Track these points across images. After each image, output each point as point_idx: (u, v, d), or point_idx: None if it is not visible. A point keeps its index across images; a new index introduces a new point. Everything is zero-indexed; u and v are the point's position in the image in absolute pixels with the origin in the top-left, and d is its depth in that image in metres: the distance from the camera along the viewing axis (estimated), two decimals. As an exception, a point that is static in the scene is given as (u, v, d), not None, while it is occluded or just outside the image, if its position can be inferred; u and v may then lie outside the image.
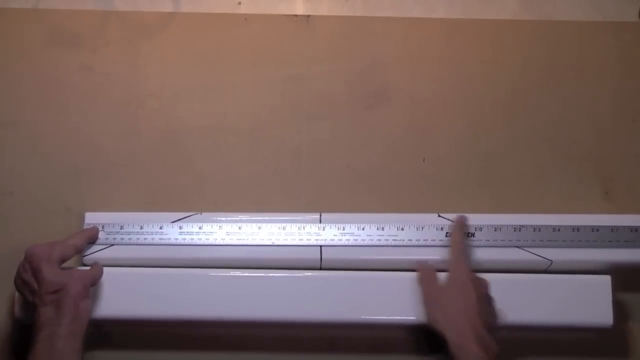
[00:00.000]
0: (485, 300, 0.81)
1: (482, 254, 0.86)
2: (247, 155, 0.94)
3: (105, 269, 0.84)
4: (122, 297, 0.84)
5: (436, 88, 0.96)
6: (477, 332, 0.77)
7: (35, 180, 0.92)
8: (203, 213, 0.88)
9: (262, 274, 0.85)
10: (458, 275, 0.82)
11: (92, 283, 0.81)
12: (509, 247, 0.87)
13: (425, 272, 0.84)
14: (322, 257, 0.86)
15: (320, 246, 0.87)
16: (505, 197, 0.92)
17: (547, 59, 0.97)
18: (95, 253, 0.86)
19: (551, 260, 0.86)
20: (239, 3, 0.99)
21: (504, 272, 0.86)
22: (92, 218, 0.88)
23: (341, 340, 0.88)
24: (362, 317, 0.84)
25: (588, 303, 0.84)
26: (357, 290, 0.85)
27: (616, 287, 0.85)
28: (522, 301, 0.84)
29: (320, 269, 0.87)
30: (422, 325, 0.82)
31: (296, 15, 0.98)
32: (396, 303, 0.84)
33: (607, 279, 0.85)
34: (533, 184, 0.93)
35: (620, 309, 0.88)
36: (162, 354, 0.88)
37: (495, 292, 0.84)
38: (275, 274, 0.85)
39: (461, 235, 0.85)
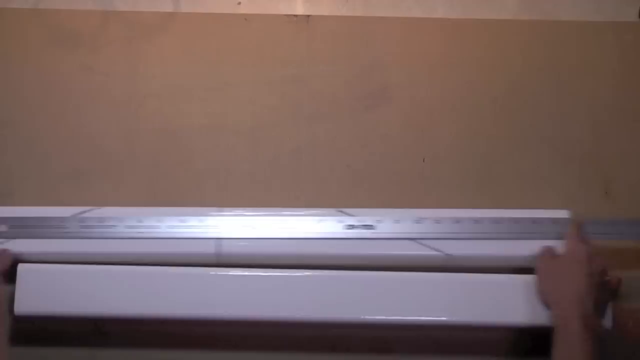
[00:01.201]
0: (598, 276, 0.79)
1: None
2: (247, 155, 0.94)
3: (101, 267, 0.84)
4: (121, 294, 0.84)
5: (436, 88, 0.96)
6: (584, 308, 0.76)
7: (35, 180, 0.92)
8: (103, 207, 0.87)
9: (262, 273, 0.85)
10: (572, 251, 0.81)
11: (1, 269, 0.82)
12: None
13: (543, 248, 0.84)
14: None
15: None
16: (505, 197, 0.92)
17: (547, 59, 0.97)
18: None
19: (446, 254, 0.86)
20: (239, 3, 0.99)
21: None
22: None
23: (342, 340, 0.88)
24: (363, 317, 0.84)
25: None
26: (358, 290, 0.84)
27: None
28: (521, 301, 0.84)
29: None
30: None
31: (296, 15, 0.98)
32: (396, 302, 0.84)
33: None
34: (533, 184, 0.93)
35: (619, 310, 0.88)
36: (162, 353, 0.88)
37: (493, 293, 0.84)
38: (275, 273, 0.85)
39: (579, 225, 0.84)
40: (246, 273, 0.85)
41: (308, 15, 0.98)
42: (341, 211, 0.87)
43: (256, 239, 0.86)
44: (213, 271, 0.85)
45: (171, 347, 0.88)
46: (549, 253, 0.83)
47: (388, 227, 0.86)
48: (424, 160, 0.94)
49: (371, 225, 0.86)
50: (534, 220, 0.86)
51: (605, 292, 0.81)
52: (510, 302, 0.84)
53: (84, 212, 0.87)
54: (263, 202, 0.91)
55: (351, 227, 0.86)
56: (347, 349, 0.88)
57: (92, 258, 0.86)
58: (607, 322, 0.82)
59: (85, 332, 0.87)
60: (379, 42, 0.98)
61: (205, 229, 0.86)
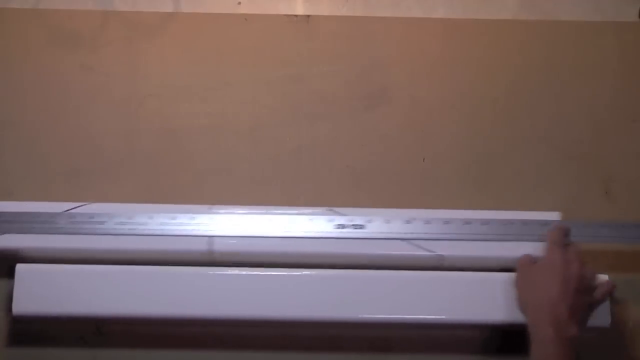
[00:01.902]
0: (575, 282, 0.78)
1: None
2: (247, 155, 0.94)
3: (100, 267, 0.84)
4: (120, 294, 0.84)
5: (436, 88, 0.96)
6: (556, 313, 0.76)
7: (35, 180, 0.92)
8: (94, 203, 0.87)
9: (260, 272, 0.85)
10: (548, 258, 0.81)
11: None
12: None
13: (523, 257, 0.84)
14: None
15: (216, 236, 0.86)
16: (505, 197, 0.92)
17: (547, 59, 0.97)
18: None
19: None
20: (239, 3, 0.99)
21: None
22: None
23: (341, 339, 0.88)
24: (361, 315, 0.84)
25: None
26: (357, 289, 0.85)
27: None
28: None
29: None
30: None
31: (296, 15, 0.98)
32: (396, 301, 0.84)
33: (604, 279, 0.85)
34: (533, 184, 0.93)
35: (617, 309, 0.88)
36: (162, 353, 0.88)
37: (493, 292, 0.84)
38: (274, 273, 0.85)
39: (560, 230, 0.84)
40: (245, 272, 0.85)
41: (308, 15, 0.98)
42: (331, 210, 0.87)
43: (247, 237, 0.86)
44: (212, 271, 0.85)
45: (171, 347, 0.88)
46: (527, 261, 0.83)
47: (378, 227, 0.86)
48: (424, 160, 0.94)
49: (362, 225, 0.86)
50: (524, 222, 0.86)
51: (585, 298, 0.79)
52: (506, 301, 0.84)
53: (75, 207, 0.87)
54: (263, 202, 0.91)
55: (341, 226, 0.86)
56: (346, 348, 0.88)
57: (81, 254, 0.86)
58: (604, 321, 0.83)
59: (86, 333, 0.87)
60: (379, 42, 0.98)
61: (196, 227, 0.86)
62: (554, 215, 0.87)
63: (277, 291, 0.84)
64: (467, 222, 0.86)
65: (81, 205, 0.87)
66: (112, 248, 0.86)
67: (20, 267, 0.84)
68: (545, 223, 0.86)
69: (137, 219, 0.86)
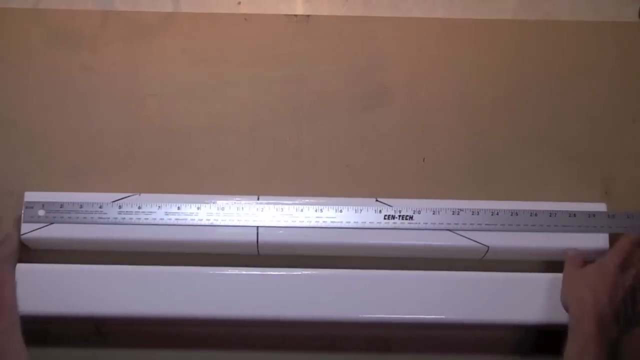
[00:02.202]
0: (625, 291, 0.79)
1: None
2: (247, 155, 0.94)
3: (102, 267, 0.84)
4: (121, 294, 0.84)
5: (436, 88, 0.96)
6: (601, 314, 0.77)
7: (36, 179, 0.92)
8: (142, 194, 0.88)
9: (260, 272, 0.85)
10: (604, 262, 0.82)
11: (4, 256, 0.80)
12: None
13: (573, 252, 0.85)
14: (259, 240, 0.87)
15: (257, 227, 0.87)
16: (505, 197, 0.92)
17: (547, 58, 0.97)
18: (35, 231, 0.85)
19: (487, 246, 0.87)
20: (239, 3, 0.99)
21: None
22: (32, 197, 0.87)
23: (341, 339, 0.88)
24: (361, 315, 0.84)
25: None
26: (357, 289, 0.85)
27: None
28: (521, 300, 0.84)
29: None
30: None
31: (296, 15, 0.98)
32: (396, 302, 0.84)
33: None
34: (533, 184, 0.93)
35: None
36: (162, 353, 0.88)
37: (493, 291, 0.84)
38: (275, 272, 0.85)
39: (630, 242, 0.84)
40: (245, 272, 0.85)
41: (308, 15, 0.98)
42: (379, 201, 0.88)
43: (295, 228, 0.86)
44: (212, 270, 0.85)
45: (171, 347, 0.88)
46: (578, 258, 0.84)
47: (426, 217, 0.86)
48: (424, 160, 0.94)
49: (410, 216, 0.86)
50: (571, 214, 0.87)
51: (632, 308, 0.80)
52: (514, 301, 0.85)
53: (123, 198, 0.87)
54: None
55: (391, 217, 0.86)
56: (347, 348, 0.88)
57: (130, 244, 0.87)
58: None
59: (86, 333, 0.87)
60: (379, 42, 0.98)
61: (244, 217, 0.86)
62: (600, 207, 0.88)
63: (277, 291, 0.84)
64: (515, 213, 0.87)
65: (128, 196, 0.87)
66: (160, 239, 0.86)
67: (20, 267, 0.84)
68: (591, 214, 0.87)
69: (184, 209, 0.86)
